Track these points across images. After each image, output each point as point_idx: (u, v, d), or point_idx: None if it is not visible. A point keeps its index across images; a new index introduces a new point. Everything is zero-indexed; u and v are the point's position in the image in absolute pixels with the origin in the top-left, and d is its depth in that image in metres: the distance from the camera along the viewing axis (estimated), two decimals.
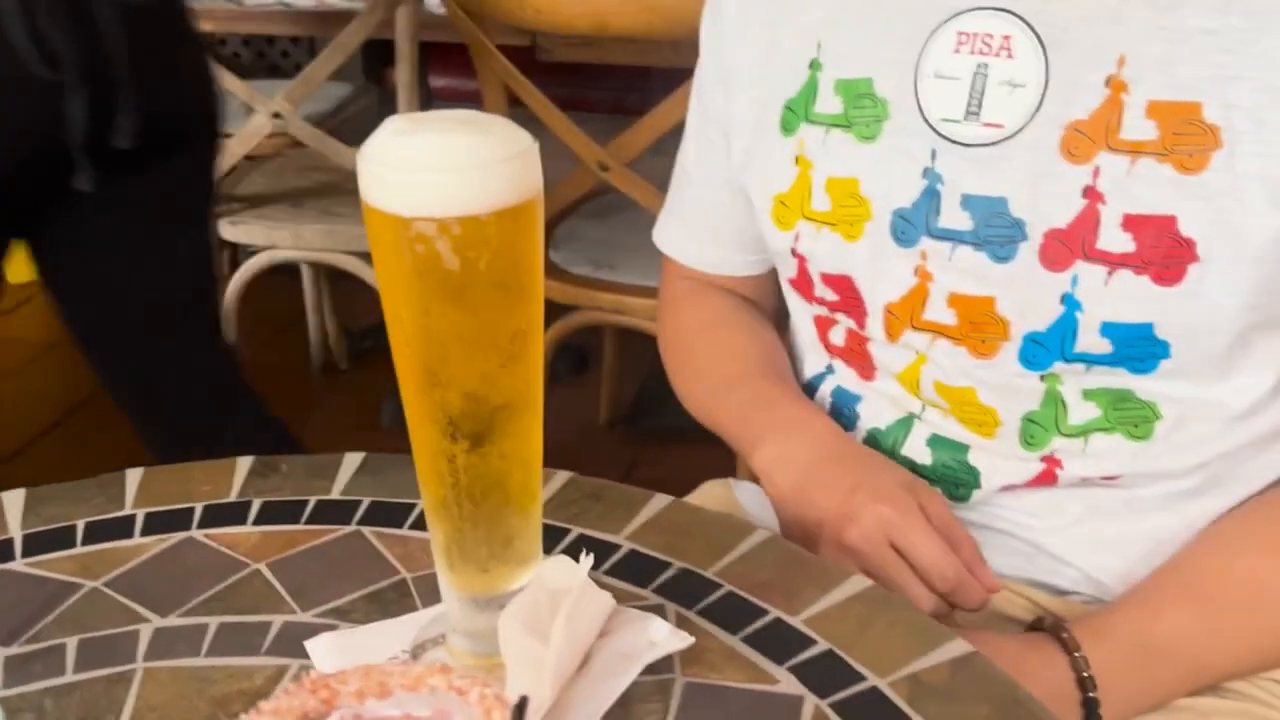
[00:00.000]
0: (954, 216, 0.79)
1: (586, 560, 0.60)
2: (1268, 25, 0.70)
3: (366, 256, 2.09)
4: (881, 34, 0.82)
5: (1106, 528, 0.82)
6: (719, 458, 1.63)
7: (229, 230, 2.10)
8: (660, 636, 0.63)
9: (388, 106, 2.76)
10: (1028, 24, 0.76)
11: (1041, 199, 0.76)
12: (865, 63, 0.83)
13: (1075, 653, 0.75)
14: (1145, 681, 0.76)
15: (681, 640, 0.63)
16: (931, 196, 0.79)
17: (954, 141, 0.79)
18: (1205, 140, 0.71)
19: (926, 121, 0.80)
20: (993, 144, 0.77)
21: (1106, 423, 0.79)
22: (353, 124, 2.63)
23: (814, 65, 0.86)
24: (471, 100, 2.52)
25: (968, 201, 0.78)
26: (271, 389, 2.67)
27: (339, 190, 2.20)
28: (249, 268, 2.12)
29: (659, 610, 0.66)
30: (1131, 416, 0.78)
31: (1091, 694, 0.74)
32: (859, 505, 0.78)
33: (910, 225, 0.81)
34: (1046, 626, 0.78)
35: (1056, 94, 0.76)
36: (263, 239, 2.10)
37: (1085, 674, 0.74)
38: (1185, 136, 0.72)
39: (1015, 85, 0.77)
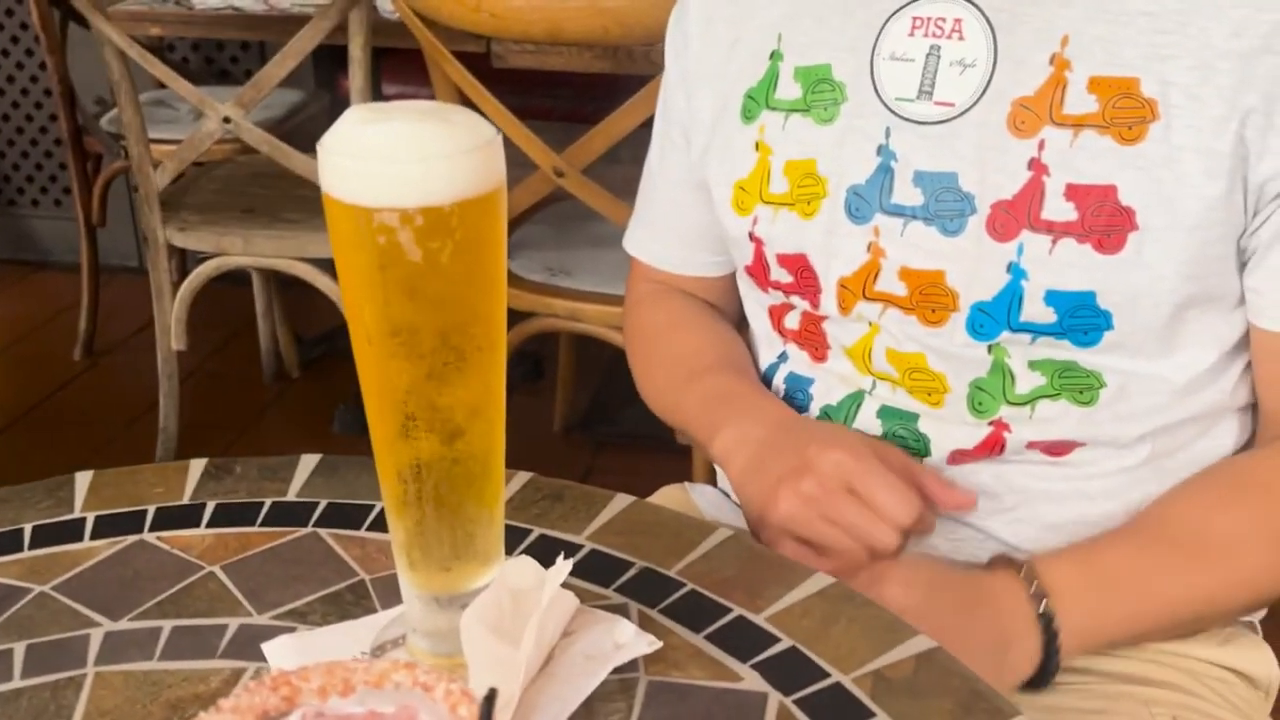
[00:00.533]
0: (906, 193, 0.82)
1: (565, 565, 0.59)
2: (1203, 8, 0.75)
3: (318, 263, 2.07)
4: (841, 23, 0.86)
5: (1054, 512, 0.84)
6: (674, 464, 1.63)
7: (178, 237, 2.07)
8: (626, 638, 0.63)
9: (340, 113, 2.73)
10: (978, 7, 0.80)
11: (990, 173, 0.79)
12: (824, 50, 0.86)
13: (1024, 567, 0.77)
14: (1095, 607, 0.77)
15: (649, 644, 0.62)
16: (885, 173, 0.82)
17: (908, 120, 0.82)
18: (1143, 112, 0.75)
19: (882, 101, 0.83)
20: (944, 121, 0.80)
21: (1052, 389, 0.81)
22: (304, 131, 2.60)
23: (774, 56, 0.89)
24: None
25: (919, 178, 0.81)
26: (222, 397, 2.65)
27: (290, 197, 2.17)
28: (199, 275, 2.08)
29: (622, 609, 0.66)
30: (1077, 384, 0.81)
31: (1045, 599, 0.75)
32: (814, 455, 0.79)
33: (864, 202, 0.83)
34: (997, 560, 0.80)
35: (1004, 73, 0.79)
36: (212, 246, 2.07)
37: (1035, 581, 0.76)
38: (1123, 110, 0.76)
39: (966, 65, 0.80)
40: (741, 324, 1.03)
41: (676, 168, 0.99)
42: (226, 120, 1.95)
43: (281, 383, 2.69)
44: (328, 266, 2.13)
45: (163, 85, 2.08)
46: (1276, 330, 0.79)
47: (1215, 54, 0.74)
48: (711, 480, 1.07)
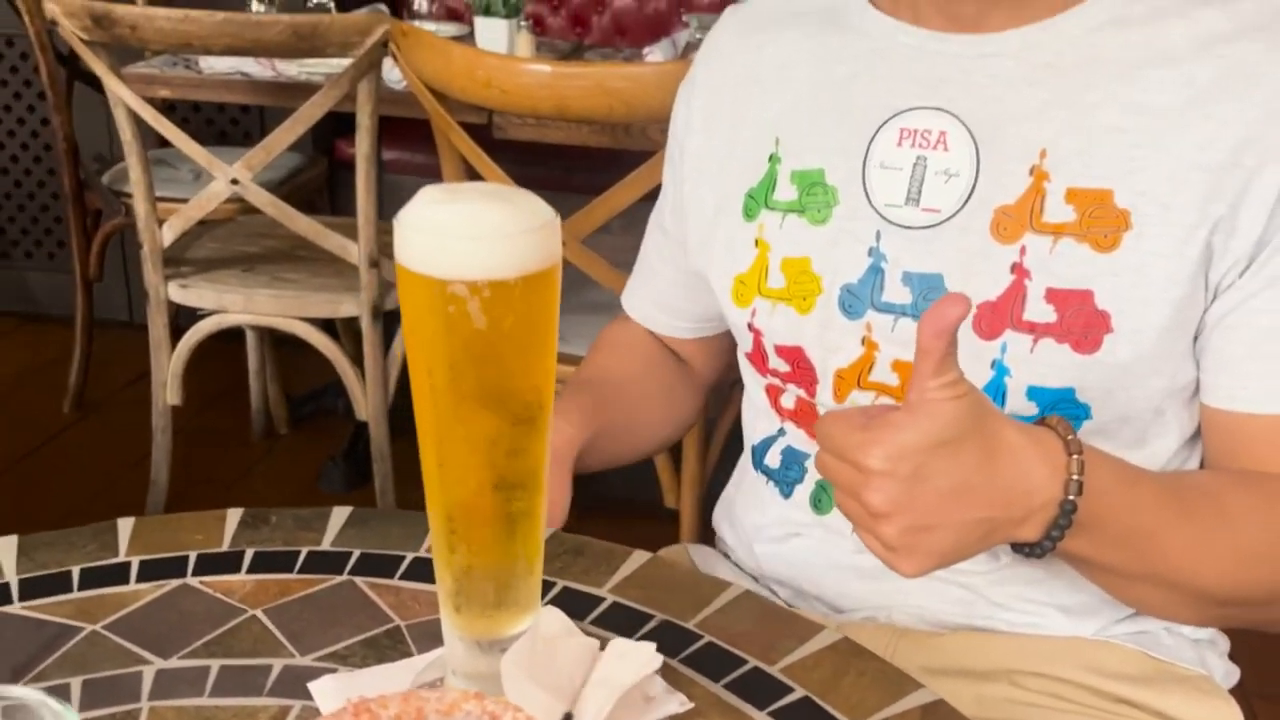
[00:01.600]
0: (896, 292, 0.87)
1: (656, 658, 0.65)
2: (1172, 124, 0.80)
3: (316, 323, 2.12)
4: (833, 130, 0.91)
5: (1036, 568, 0.88)
6: (658, 529, 1.67)
7: (178, 293, 2.11)
8: (656, 692, 0.67)
9: (338, 176, 2.80)
10: (962, 121, 0.85)
11: (974, 276, 0.84)
12: (818, 154, 0.91)
13: (1075, 454, 0.72)
14: (1122, 500, 0.75)
15: (680, 704, 0.67)
16: (876, 273, 0.87)
17: (896, 224, 0.87)
18: (1117, 222, 0.81)
19: (872, 206, 0.88)
20: (930, 226, 0.86)
21: None
22: (302, 193, 2.66)
23: (773, 159, 0.94)
24: (426, 173, 2.56)
25: (908, 278, 0.86)
26: (212, 452, 2.67)
27: (290, 257, 2.22)
28: (198, 330, 2.12)
29: None
30: None
31: (1077, 477, 0.72)
32: None
33: (856, 299, 0.88)
34: (1053, 423, 0.75)
35: (987, 182, 0.84)
36: (213, 303, 2.11)
37: (1076, 477, 0.72)
38: (1099, 220, 0.81)
39: (950, 175, 0.85)
40: (714, 382, 1.12)
41: (668, 253, 1.05)
42: (234, 181, 2.00)
43: (271, 440, 2.72)
44: (326, 326, 2.19)
45: (165, 144, 2.13)
46: (1214, 405, 0.83)
47: (1185, 166, 0.79)
48: (700, 541, 1.12)
